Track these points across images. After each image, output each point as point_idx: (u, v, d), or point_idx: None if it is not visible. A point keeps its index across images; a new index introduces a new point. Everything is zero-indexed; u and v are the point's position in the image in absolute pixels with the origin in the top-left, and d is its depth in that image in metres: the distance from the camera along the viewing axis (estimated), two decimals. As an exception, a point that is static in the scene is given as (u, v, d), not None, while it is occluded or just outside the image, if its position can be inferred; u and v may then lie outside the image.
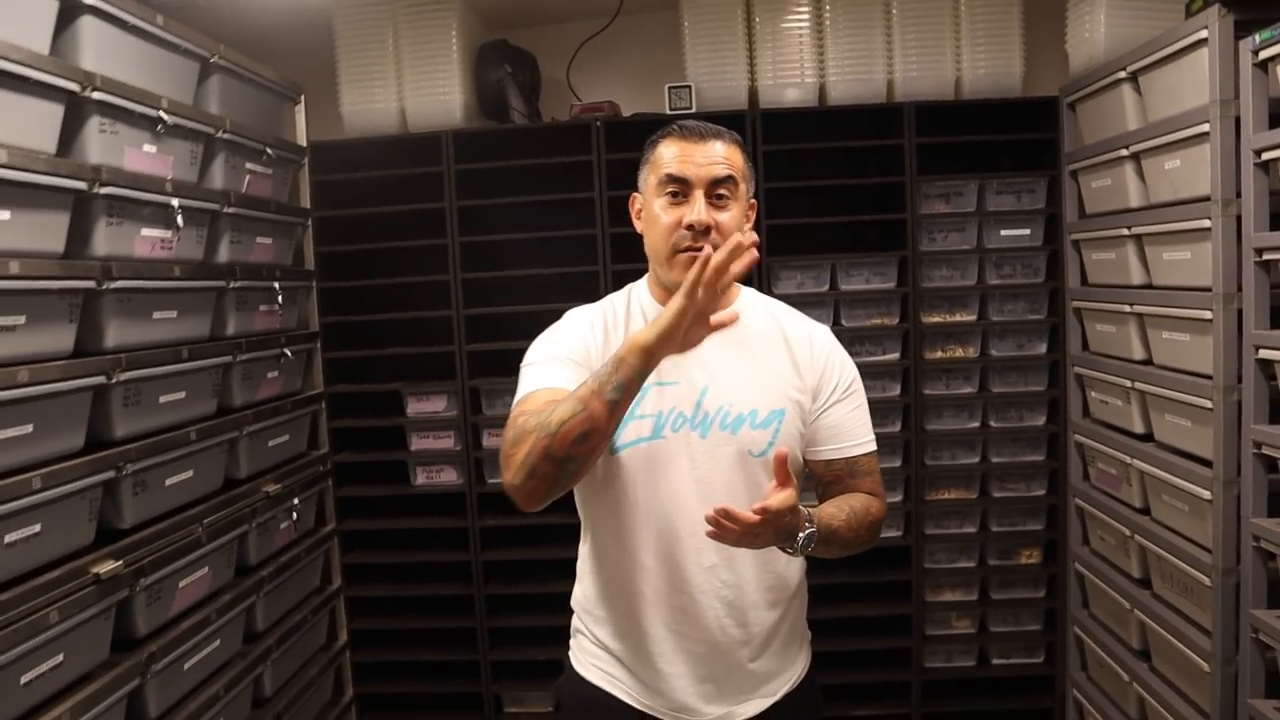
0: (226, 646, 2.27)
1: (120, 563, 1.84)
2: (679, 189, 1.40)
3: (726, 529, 1.21)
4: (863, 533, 1.43)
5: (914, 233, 2.90)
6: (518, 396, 1.39)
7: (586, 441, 1.23)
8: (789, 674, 1.53)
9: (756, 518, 1.20)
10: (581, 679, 1.54)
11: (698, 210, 1.38)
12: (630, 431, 1.42)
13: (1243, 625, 1.95)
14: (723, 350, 1.45)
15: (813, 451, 1.49)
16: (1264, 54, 1.82)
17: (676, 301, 1.21)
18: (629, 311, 1.51)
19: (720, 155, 1.40)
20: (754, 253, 1.21)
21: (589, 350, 1.44)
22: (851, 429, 1.49)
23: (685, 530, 1.41)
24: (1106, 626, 2.66)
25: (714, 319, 1.24)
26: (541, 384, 1.37)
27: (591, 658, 1.54)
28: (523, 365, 1.46)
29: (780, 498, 1.23)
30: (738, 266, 1.20)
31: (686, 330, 1.23)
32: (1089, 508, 2.74)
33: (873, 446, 1.52)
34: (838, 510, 1.42)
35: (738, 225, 1.42)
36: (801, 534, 1.31)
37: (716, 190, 1.40)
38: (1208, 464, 2.09)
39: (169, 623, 2.06)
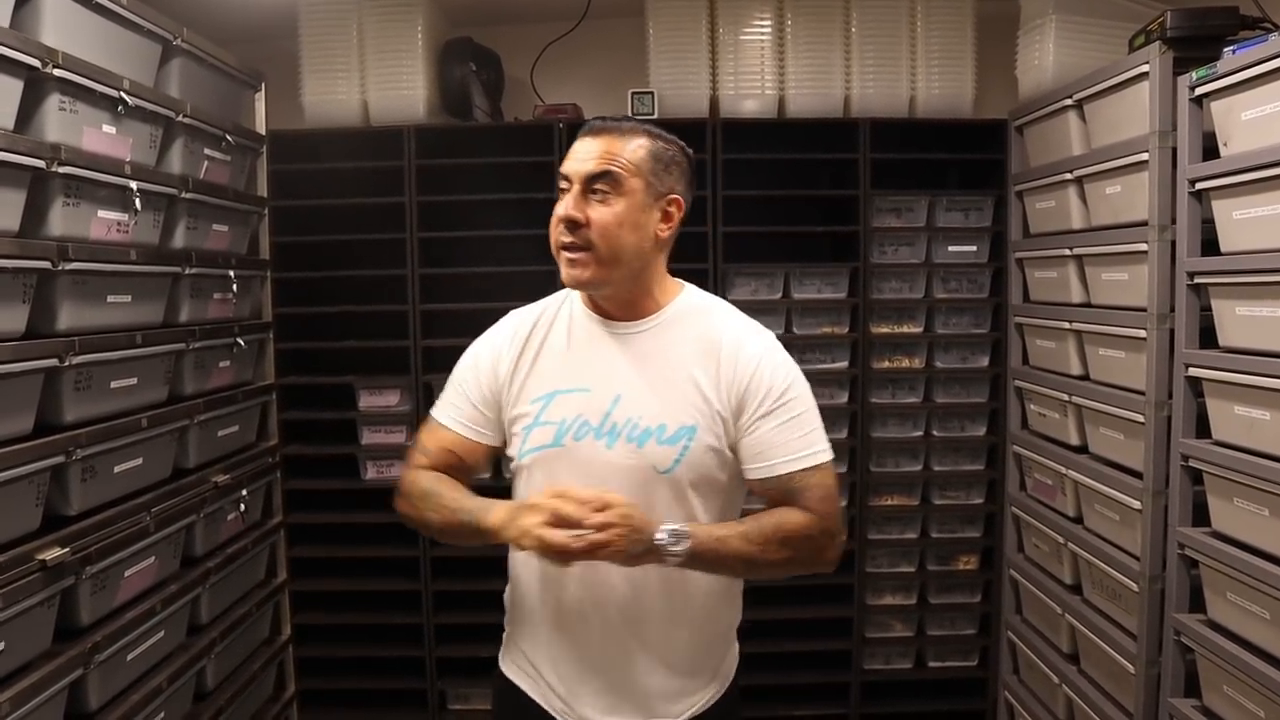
0: (170, 638, 2.23)
1: (67, 550, 1.79)
2: (567, 185, 1.40)
3: (563, 530, 1.24)
4: (770, 548, 1.35)
5: (866, 245, 2.99)
6: (436, 404, 1.56)
7: (448, 540, 1.49)
8: (696, 697, 1.48)
9: (593, 498, 1.25)
10: (505, 678, 1.57)
11: (564, 204, 1.38)
12: (535, 438, 1.44)
13: (1166, 628, 2.06)
14: (642, 359, 1.43)
15: (746, 471, 1.43)
16: (1200, 90, 1.93)
17: (525, 536, 1.29)
18: (556, 317, 1.51)
19: (599, 151, 1.37)
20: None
21: (496, 370, 1.49)
22: (779, 445, 1.39)
23: None
24: (1038, 631, 2.77)
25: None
26: (440, 416, 1.53)
27: (513, 656, 1.56)
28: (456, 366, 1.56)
29: (609, 504, 1.25)
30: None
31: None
32: (1025, 516, 2.85)
33: (813, 461, 1.40)
34: (736, 523, 1.39)
35: (620, 221, 1.36)
36: (661, 533, 1.29)
37: (592, 186, 1.37)
38: (1138, 475, 2.19)
39: (113, 613, 2.01)
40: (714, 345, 1.42)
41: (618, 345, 1.45)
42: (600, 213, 1.36)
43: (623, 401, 1.40)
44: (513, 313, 1.57)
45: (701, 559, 1.33)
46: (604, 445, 1.39)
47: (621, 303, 1.45)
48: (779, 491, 1.40)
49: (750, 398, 1.39)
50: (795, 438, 1.40)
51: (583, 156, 1.38)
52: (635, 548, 1.27)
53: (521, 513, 1.30)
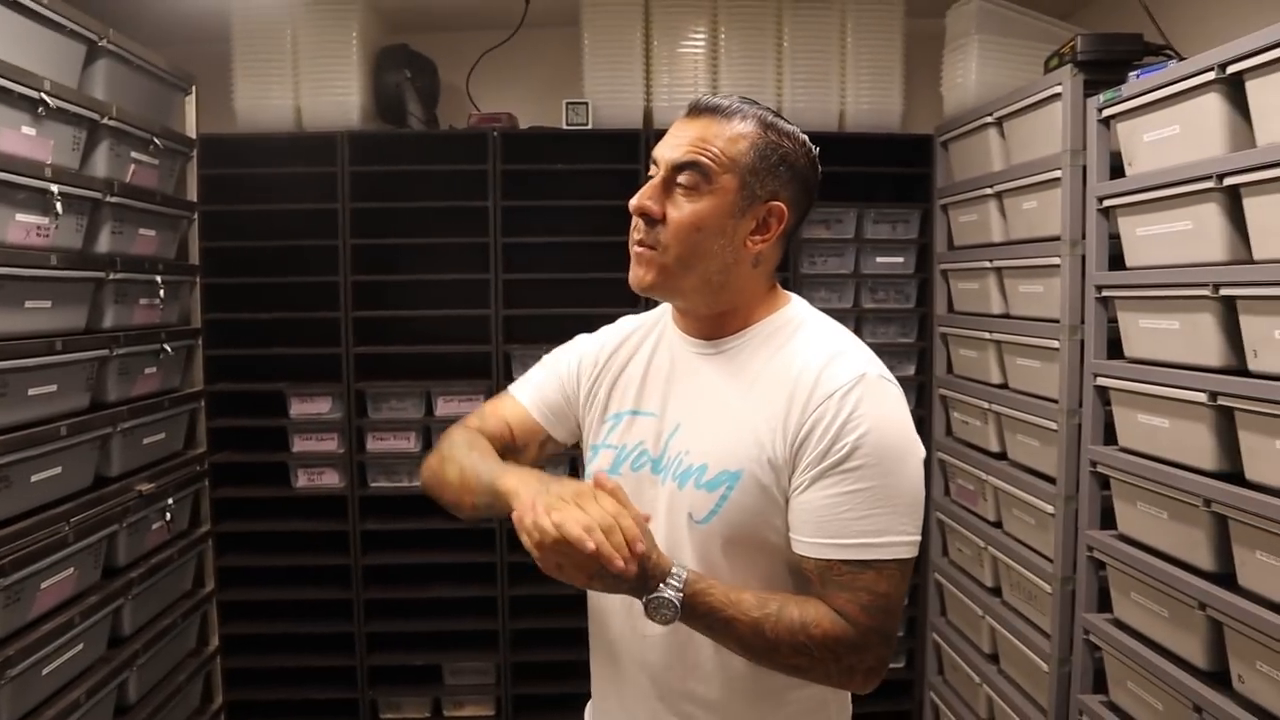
0: (90, 651, 2.18)
1: (-22, 561, 1.76)
2: (654, 171, 1.18)
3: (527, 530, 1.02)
4: (782, 650, 1.07)
5: (795, 256, 3.05)
6: (517, 382, 1.41)
7: (458, 506, 1.24)
8: None
9: (549, 524, 0.99)
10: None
11: (640, 192, 1.17)
12: (598, 461, 1.27)
13: (1076, 628, 2.14)
14: (713, 384, 1.20)
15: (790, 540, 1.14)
16: (1107, 112, 2.02)
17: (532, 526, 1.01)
18: (651, 331, 1.33)
19: (693, 136, 1.15)
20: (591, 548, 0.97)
21: (580, 371, 1.33)
22: (827, 520, 1.08)
23: None
24: (961, 632, 2.85)
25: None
26: (516, 391, 1.37)
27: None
28: None
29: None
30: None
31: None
32: (949, 521, 2.93)
33: (869, 554, 1.07)
34: (748, 596, 1.08)
35: (698, 224, 1.13)
36: (657, 592, 1.04)
37: (677, 177, 1.15)
38: (1051, 480, 2.28)
39: (28, 626, 1.97)
40: (791, 371, 1.14)
41: (694, 367, 1.23)
42: (679, 210, 1.14)
43: (680, 431, 1.20)
44: (624, 319, 1.39)
45: (696, 627, 1.10)
46: (658, 480, 1.20)
47: (702, 318, 1.23)
48: (816, 578, 1.11)
49: (809, 448, 1.10)
50: (852, 515, 1.08)
51: (674, 141, 1.16)
52: (631, 589, 1.06)
53: (571, 492, 1.05)
